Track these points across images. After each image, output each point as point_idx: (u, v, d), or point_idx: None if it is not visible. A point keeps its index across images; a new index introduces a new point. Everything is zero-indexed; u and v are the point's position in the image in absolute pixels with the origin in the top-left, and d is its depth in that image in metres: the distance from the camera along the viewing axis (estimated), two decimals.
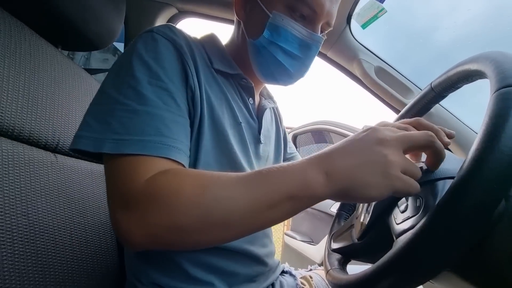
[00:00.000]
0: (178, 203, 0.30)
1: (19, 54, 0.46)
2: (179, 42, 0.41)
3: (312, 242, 1.47)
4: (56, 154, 0.49)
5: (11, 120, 0.41)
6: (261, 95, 0.59)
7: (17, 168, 0.40)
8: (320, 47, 0.48)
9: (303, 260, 1.42)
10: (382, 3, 0.69)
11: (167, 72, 0.38)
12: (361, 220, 0.40)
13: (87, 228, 0.51)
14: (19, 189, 0.40)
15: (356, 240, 0.42)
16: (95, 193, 0.56)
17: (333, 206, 1.39)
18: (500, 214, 0.30)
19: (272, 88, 0.66)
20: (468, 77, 0.37)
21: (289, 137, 0.73)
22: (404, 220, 0.31)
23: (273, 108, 0.64)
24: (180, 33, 0.43)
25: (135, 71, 0.37)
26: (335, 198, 0.30)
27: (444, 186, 0.31)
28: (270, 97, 0.63)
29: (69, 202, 0.49)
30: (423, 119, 0.37)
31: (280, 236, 1.86)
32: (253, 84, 0.51)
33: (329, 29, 0.49)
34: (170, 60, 0.39)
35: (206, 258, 0.43)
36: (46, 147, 0.47)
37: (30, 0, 0.50)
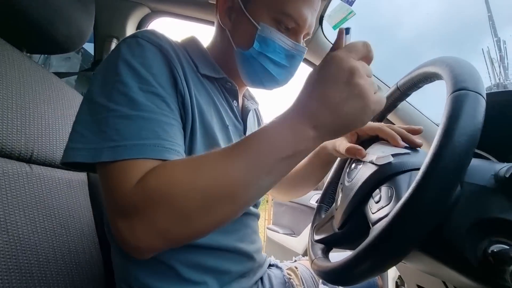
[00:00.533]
0: (175, 191, 0.29)
1: None
2: (165, 47, 0.41)
3: (294, 234, 1.53)
4: (30, 164, 0.47)
5: None
6: (243, 96, 0.61)
7: None
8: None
9: (286, 252, 1.47)
10: (351, 5, 0.73)
11: (156, 77, 0.38)
12: (341, 211, 0.43)
13: (69, 239, 0.49)
14: None
15: (337, 230, 0.45)
16: (75, 203, 0.54)
17: (312, 199, 1.45)
18: (457, 198, 0.34)
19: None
20: (427, 78, 0.42)
21: None
22: (378, 210, 0.34)
23: (255, 109, 0.66)
24: (165, 38, 0.43)
25: (124, 77, 0.36)
26: (325, 141, 0.32)
27: (411, 177, 0.35)
28: (252, 98, 0.64)
29: (48, 213, 0.47)
30: (385, 128, 0.42)
31: (263, 231, 1.91)
32: (237, 87, 0.53)
33: (308, 38, 0.52)
34: (158, 66, 0.39)
35: (198, 258, 0.44)
36: (20, 158, 0.45)
37: None
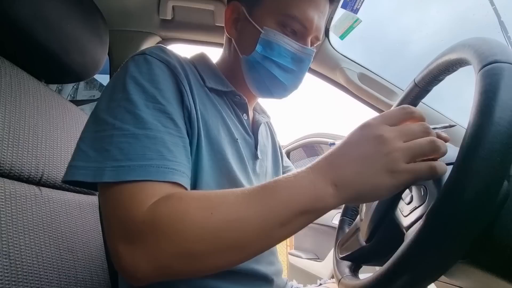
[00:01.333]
0: (186, 229, 0.28)
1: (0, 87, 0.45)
2: (172, 63, 0.41)
3: (318, 258, 1.42)
4: (40, 187, 0.47)
5: None
6: (254, 110, 0.59)
7: None
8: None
9: (311, 278, 1.35)
10: (356, 13, 0.73)
11: (163, 93, 0.37)
12: (367, 221, 0.38)
13: (76, 265, 0.47)
14: (0, 227, 0.37)
15: (364, 243, 0.40)
16: (84, 226, 0.53)
17: (335, 218, 1.36)
18: (505, 195, 0.29)
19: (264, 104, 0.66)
20: (449, 67, 0.38)
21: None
22: (411, 212, 0.30)
23: (267, 122, 0.64)
24: (172, 53, 0.43)
25: (130, 94, 0.35)
26: (346, 203, 0.30)
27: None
28: (263, 112, 0.63)
29: (55, 237, 0.45)
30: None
31: (285, 257, 1.79)
32: (246, 100, 0.51)
33: (318, 43, 0.51)
34: (165, 82, 0.39)
35: (212, 283, 0.40)
36: (29, 180, 0.45)
37: (10, 34, 0.50)
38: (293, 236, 1.94)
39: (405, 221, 0.30)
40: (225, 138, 0.45)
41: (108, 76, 0.99)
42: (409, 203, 0.31)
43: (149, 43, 0.93)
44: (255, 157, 0.51)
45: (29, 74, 0.53)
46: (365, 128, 0.30)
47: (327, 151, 0.32)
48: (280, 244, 0.54)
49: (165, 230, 0.28)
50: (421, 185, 0.31)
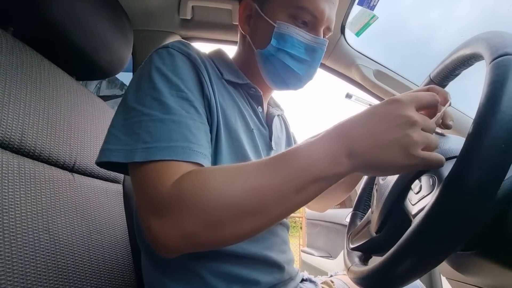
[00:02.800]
0: (208, 197, 0.30)
1: (39, 83, 0.49)
2: (193, 55, 0.44)
3: (330, 256, 1.42)
4: (73, 173, 0.51)
5: (32, 141, 0.44)
6: (268, 103, 0.61)
7: (38, 186, 0.42)
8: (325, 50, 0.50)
9: (322, 274, 1.36)
10: (373, 10, 0.73)
11: (185, 83, 0.40)
12: (378, 212, 0.39)
13: (104, 245, 0.51)
14: (40, 206, 0.41)
15: (374, 234, 0.41)
16: (111, 212, 0.57)
17: (348, 217, 1.35)
18: None
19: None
20: (464, 61, 0.38)
21: None
22: (419, 200, 0.31)
23: (280, 115, 0.66)
24: (192, 47, 0.46)
25: (156, 83, 0.39)
26: (357, 172, 0.31)
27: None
28: (277, 105, 0.65)
29: (86, 219, 0.50)
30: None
31: (297, 254, 1.80)
32: (261, 93, 0.54)
33: (330, 34, 0.52)
34: (187, 72, 0.42)
35: (227, 267, 0.43)
36: (64, 166, 0.49)
37: (47, 34, 0.55)
38: (305, 234, 1.94)
39: (413, 210, 0.31)
40: (242, 127, 0.48)
41: (131, 73, 1.04)
42: (418, 192, 0.32)
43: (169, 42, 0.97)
44: (269, 147, 0.53)
45: (63, 71, 0.58)
46: (395, 103, 0.30)
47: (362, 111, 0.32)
48: (293, 241, 0.56)
49: (189, 200, 0.30)
50: (431, 175, 0.32)
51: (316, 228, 1.58)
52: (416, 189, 0.32)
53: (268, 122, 0.56)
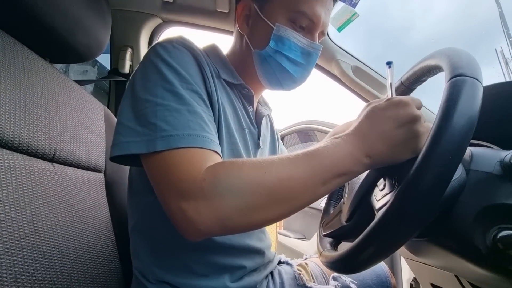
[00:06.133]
0: (244, 184, 0.32)
1: (13, 68, 0.47)
2: (197, 51, 0.45)
3: (305, 238, 1.52)
4: (53, 163, 0.51)
5: (10, 131, 0.42)
6: (258, 102, 0.63)
7: (19, 178, 0.42)
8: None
9: (298, 256, 1.45)
10: (354, 7, 0.75)
11: (192, 77, 0.41)
12: (348, 204, 0.44)
13: (88, 234, 0.52)
14: (23, 198, 0.41)
15: (344, 223, 0.46)
16: (93, 201, 0.57)
17: (323, 202, 1.44)
18: (461, 186, 0.35)
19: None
20: (429, 71, 0.42)
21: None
22: (382, 197, 0.35)
23: (268, 115, 0.68)
24: (194, 44, 0.47)
25: (166, 75, 0.39)
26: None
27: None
28: (266, 104, 0.67)
29: (69, 209, 0.50)
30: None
31: (274, 236, 1.90)
32: (253, 93, 0.55)
33: (323, 38, 0.54)
34: (192, 67, 0.43)
35: (213, 257, 0.46)
36: (44, 157, 0.49)
37: (19, 15, 0.51)
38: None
39: (377, 205, 0.35)
40: (236, 125, 0.50)
41: (108, 55, 0.99)
42: (382, 190, 0.36)
43: (150, 25, 0.94)
44: (257, 146, 0.56)
45: (37, 55, 0.55)
46: (402, 106, 0.35)
47: (363, 111, 0.37)
48: (271, 225, 0.60)
49: (225, 186, 0.32)
50: (394, 175, 0.36)
51: None
52: (381, 187, 0.37)
53: (257, 121, 0.58)
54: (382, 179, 0.38)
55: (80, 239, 0.49)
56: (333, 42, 0.87)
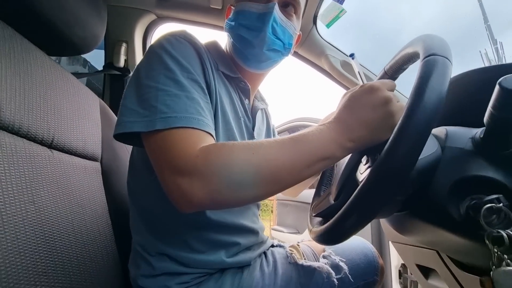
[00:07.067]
0: (233, 162, 0.35)
1: (13, 57, 0.48)
2: (198, 45, 0.48)
3: (298, 232, 1.54)
4: (52, 149, 0.52)
5: (11, 116, 0.44)
6: (254, 97, 0.66)
7: (20, 160, 0.43)
8: (275, 12, 0.51)
9: None
10: (341, 4, 0.79)
11: (193, 67, 0.45)
12: (335, 183, 0.47)
13: (85, 217, 0.53)
14: (24, 179, 0.42)
15: (333, 202, 0.48)
16: (90, 187, 0.59)
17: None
18: (437, 160, 0.38)
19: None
20: (409, 58, 0.46)
21: None
22: (365, 170, 0.38)
23: (264, 109, 0.71)
24: (196, 38, 0.50)
25: (168, 64, 0.42)
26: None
27: None
28: (262, 99, 0.70)
29: (67, 194, 0.51)
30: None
31: (268, 232, 1.92)
32: (250, 87, 0.58)
33: (297, 6, 0.55)
34: (194, 59, 0.46)
35: (210, 235, 0.49)
36: (42, 142, 0.50)
37: (20, 8, 0.53)
38: (276, 214, 2.07)
39: (361, 178, 0.38)
40: (232, 114, 0.53)
41: (102, 51, 1.01)
42: (365, 164, 0.39)
43: (144, 21, 0.95)
44: (252, 137, 0.59)
45: (35, 46, 0.56)
46: (373, 91, 0.38)
47: (347, 101, 0.40)
48: (265, 224, 0.63)
49: (216, 163, 0.35)
50: (378, 151, 0.39)
51: (285, 208, 1.69)
52: (364, 161, 0.40)
53: (252, 114, 0.61)
54: (365, 156, 0.40)
55: (78, 221, 0.51)
56: (322, 37, 0.91)
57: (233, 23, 0.53)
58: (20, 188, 0.41)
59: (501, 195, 0.30)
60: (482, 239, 0.31)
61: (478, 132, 0.37)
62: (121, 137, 0.41)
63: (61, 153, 0.54)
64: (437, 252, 0.49)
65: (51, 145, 0.52)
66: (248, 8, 0.52)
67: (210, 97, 0.47)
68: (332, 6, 0.81)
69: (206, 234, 0.48)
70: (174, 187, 0.36)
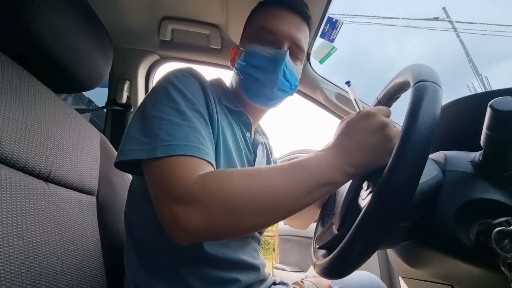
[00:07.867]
0: (231, 189, 0.34)
1: (19, 93, 0.50)
2: (202, 79, 0.51)
3: (302, 270, 1.45)
4: (48, 183, 0.51)
5: (10, 148, 0.44)
6: (255, 131, 0.68)
7: (14, 193, 0.42)
8: (287, 58, 0.55)
9: None
10: (332, 42, 0.85)
11: (197, 99, 0.47)
12: (338, 211, 0.45)
13: (76, 255, 0.50)
14: (15, 212, 0.41)
15: (336, 232, 0.46)
16: (84, 222, 0.56)
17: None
18: (439, 183, 0.37)
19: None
20: (400, 87, 0.48)
21: None
22: (367, 196, 0.37)
23: (265, 143, 0.72)
24: (200, 73, 0.53)
25: (173, 96, 0.44)
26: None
27: None
28: (263, 134, 0.72)
29: (60, 229, 0.49)
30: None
31: (270, 270, 1.80)
32: (251, 121, 0.60)
33: (302, 53, 0.60)
34: (198, 92, 0.48)
35: (208, 271, 0.46)
36: (39, 175, 0.49)
37: (28, 46, 0.56)
38: (278, 251, 1.96)
39: (363, 204, 0.37)
40: (233, 145, 0.54)
41: (106, 89, 1.05)
42: (367, 189, 0.38)
43: (147, 61, 1.01)
44: None
45: (42, 83, 0.59)
46: (370, 117, 0.39)
47: (339, 127, 0.41)
48: (267, 263, 0.60)
49: (214, 191, 0.34)
50: (379, 175, 0.39)
51: (288, 244, 1.61)
52: (365, 187, 0.39)
53: (253, 147, 0.62)
54: (367, 181, 0.40)
55: (68, 259, 0.48)
56: (316, 73, 0.96)
57: (244, 63, 0.56)
58: (10, 222, 0.39)
59: (510, 217, 0.29)
60: (497, 266, 0.29)
61: (476, 155, 0.37)
62: (122, 165, 0.41)
63: (57, 186, 0.53)
64: (452, 287, 0.46)
65: (47, 178, 0.51)
66: (259, 51, 0.55)
67: (212, 128, 0.48)
68: (323, 44, 0.87)
69: (203, 270, 0.45)
70: (169, 215, 0.35)
